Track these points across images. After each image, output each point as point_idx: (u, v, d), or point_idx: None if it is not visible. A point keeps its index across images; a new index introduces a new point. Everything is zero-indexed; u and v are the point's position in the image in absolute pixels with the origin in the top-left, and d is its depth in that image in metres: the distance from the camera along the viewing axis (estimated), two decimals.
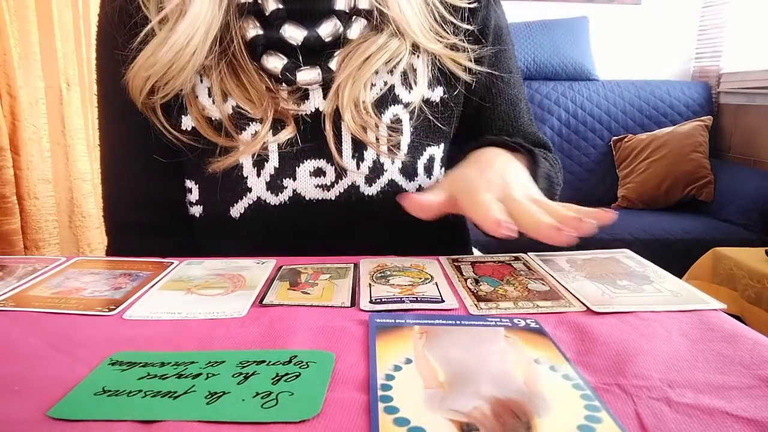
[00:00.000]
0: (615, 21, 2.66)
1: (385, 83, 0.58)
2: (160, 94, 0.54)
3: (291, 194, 0.57)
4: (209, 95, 0.56)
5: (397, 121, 0.58)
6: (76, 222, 1.55)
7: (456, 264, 0.49)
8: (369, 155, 0.57)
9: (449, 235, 0.67)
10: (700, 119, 2.37)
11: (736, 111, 2.47)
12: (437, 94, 0.61)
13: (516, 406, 0.27)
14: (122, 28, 0.56)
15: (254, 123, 0.56)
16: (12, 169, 1.31)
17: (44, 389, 0.29)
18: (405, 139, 0.59)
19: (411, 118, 0.59)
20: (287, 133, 0.56)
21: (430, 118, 0.60)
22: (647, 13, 2.68)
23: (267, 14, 0.56)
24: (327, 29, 0.56)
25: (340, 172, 0.57)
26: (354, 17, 0.57)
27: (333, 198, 0.58)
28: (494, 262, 0.50)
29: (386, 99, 0.58)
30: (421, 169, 0.60)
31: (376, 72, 0.56)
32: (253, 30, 0.55)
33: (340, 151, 0.57)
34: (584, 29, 2.49)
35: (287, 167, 0.57)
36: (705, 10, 2.68)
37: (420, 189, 0.60)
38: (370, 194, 0.58)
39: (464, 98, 0.63)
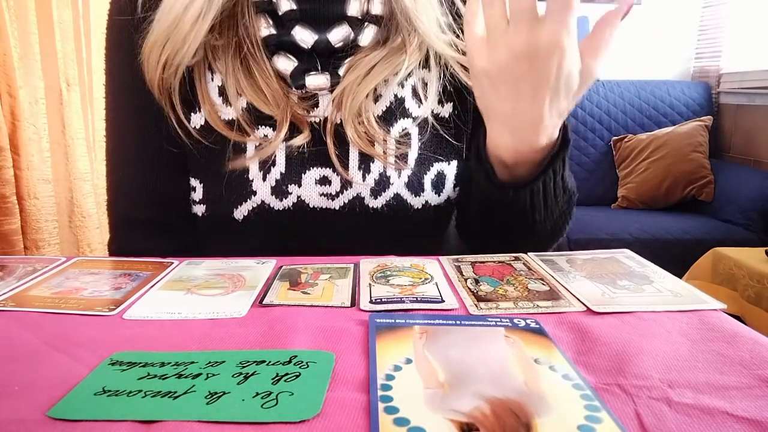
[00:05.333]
0: None
1: (395, 96, 0.57)
2: (171, 71, 0.53)
3: (295, 200, 0.57)
4: (219, 94, 0.56)
5: (406, 134, 0.57)
6: (76, 222, 1.55)
7: (456, 264, 0.49)
8: (375, 168, 0.57)
9: (447, 249, 0.66)
10: (700, 119, 2.38)
11: (736, 111, 2.47)
12: (447, 109, 0.60)
13: (516, 406, 0.27)
14: (134, 14, 0.55)
15: (264, 126, 0.55)
16: (12, 169, 1.32)
17: (44, 389, 0.29)
18: (412, 153, 0.58)
19: (420, 133, 0.58)
20: (302, 138, 0.55)
21: (441, 133, 0.59)
22: (647, 13, 2.68)
23: (280, 14, 0.55)
24: (338, 35, 0.55)
25: (346, 183, 0.57)
26: (366, 23, 0.56)
27: (337, 208, 0.57)
28: (494, 262, 0.49)
29: (395, 112, 0.57)
30: (428, 185, 0.59)
31: (386, 82, 0.56)
32: (266, 29, 0.55)
33: (344, 162, 0.56)
34: (584, 29, 2.49)
35: (293, 173, 0.56)
36: (705, 10, 2.68)
37: (426, 205, 0.59)
38: (375, 207, 0.57)
39: (478, 116, 0.55)
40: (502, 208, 0.54)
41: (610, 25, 0.44)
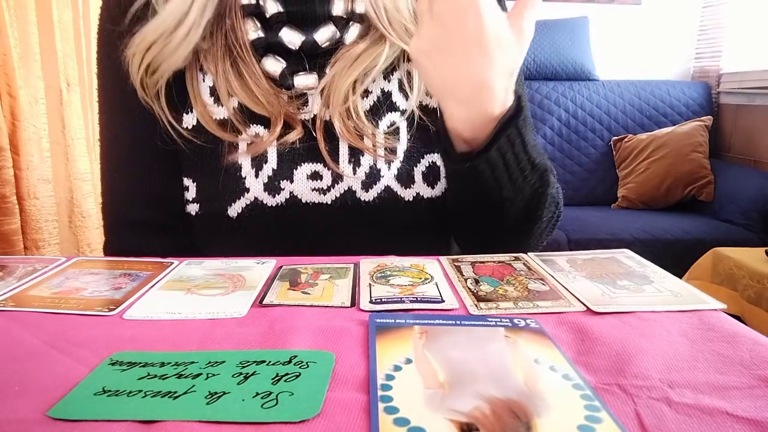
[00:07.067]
0: (615, 21, 2.66)
1: (382, 90, 0.58)
2: (157, 76, 0.54)
3: (288, 196, 0.57)
4: (210, 94, 0.56)
5: (395, 128, 0.58)
6: (76, 222, 1.55)
7: (456, 264, 0.49)
8: (365, 161, 0.57)
9: (444, 242, 0.67)
10: (700, 119, 2.38)
11: (736, 111, 2.47)
12: (435, 101, 0.60)
13: (516, 406, 0.27)
14: (124, 19, 0.56)
15: (255, 124, 0.56)
16: (12, 169, 1.32)
17: (44, 389, 0.29)
18: (401, 146, 0.59)
19: (408, 125, 0.59)
20: (295, 134, 0.56)
21: (429, 125, 0.59)
22: (647, 13, 2.68)
23: (267, 17, 0.56)
24: (324, 35, 0.56)
25: (337, 177, 0.57)
26: (351, 23, 0.57)
27: (329, 202, 0.58)
28: (494, 262, 0.49)
29: (382, 106, 0.58)
30: (419, 177, 0.59)
31: (370, 76, 0.56)
32: (254, 32, 0.56)
33: (334, 157, 0.57)
34: (584, 29, 2.49)
35: (285, 169, 0.57)
36: (705, 10, 2.68)
37: (418, 197, 0.59)
38: (366, 200, 0.58)
39: None
40: (466, 184, 0.53)
41: None
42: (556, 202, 0.57)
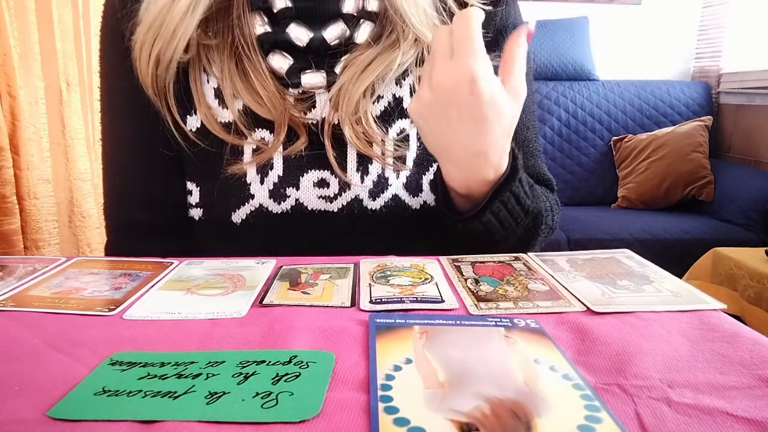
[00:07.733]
0: (615, 21, 2.66)
1: (394, 96, 0.57)
2: (163, 65, 0.53)
3: (293, 203, 0.56)
4: (215, 96, 0.56)
5: (404, 135, 0.57)
6: (75, 222, 1.55)
7: (456, 264, 0.49)
8: (374, 169, 0.57)
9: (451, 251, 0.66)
10: (700, 119, 2.38)
11: (736, 111, 2.47)
12: None
13: (516, 406, 0.27)
14: (129, 18, 0.54)
15: (261, 129, 0.55)
16: (12, 169, 1.32)
17: (44, 389, 0.29)
18: (411, 154, 0.58)
19: (418, 132, 0.58)
20: (300, 143, 0.55)
21: None
22: (647, 13, 2.68)
23: (275, 12, 0.55)
24: (333, 32, 0.55)
25: (344, 185, 0.57)
26: (362, 20, 0.56)
27: (335, 210, 0.57)
28: (494, 262, 0.49)
29: (393, 112, 0.57)
30: (426, 185, 0.58)
31: (382, 80, 0.55)
32: (261, 27, 0.54)
33: (342, 164, 0.56)
34: (584, 29, 2.49)
35: (291, 176, 0.56)
36: (705, 10, 2.68)
37: (425, 205, 0.59)
38: (374, 208, 0.57)
39: None
40: (459, 234, 0.54)
41: (515, 44, 0.45)
42: (551, 226, 0.59)
